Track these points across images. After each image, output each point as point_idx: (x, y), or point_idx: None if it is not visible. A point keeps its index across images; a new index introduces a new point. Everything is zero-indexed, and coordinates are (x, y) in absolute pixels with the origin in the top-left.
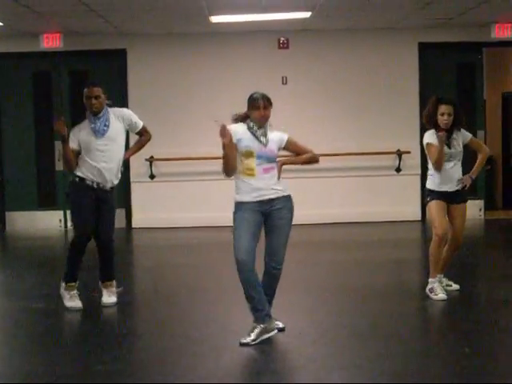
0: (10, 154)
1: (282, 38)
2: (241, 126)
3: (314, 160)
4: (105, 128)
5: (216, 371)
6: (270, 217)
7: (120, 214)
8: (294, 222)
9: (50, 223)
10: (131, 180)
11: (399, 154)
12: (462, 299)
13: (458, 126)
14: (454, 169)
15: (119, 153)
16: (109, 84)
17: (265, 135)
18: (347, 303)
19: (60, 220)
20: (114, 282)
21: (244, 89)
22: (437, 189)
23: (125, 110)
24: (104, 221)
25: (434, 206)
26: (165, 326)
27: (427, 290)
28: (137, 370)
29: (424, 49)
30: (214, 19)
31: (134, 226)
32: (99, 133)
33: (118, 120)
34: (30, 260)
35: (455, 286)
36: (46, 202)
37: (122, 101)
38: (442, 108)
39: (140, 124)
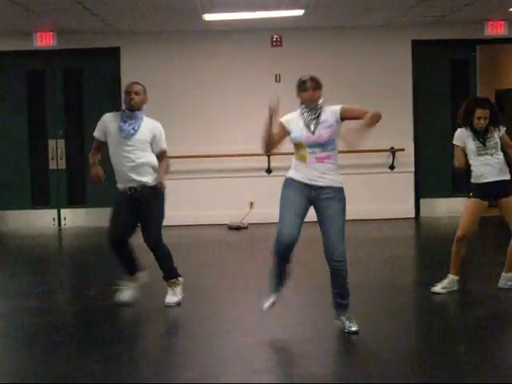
0: (3, 152)
1: (276, 36)
2: (294, 114)
3: (378, 117)
4: (132, 131)
5: (212, 370)
6: (318, 205)
7: None
8: None
9: (43, 222)
10: None
11: (393, 151)
12: (457, 297)
13: (496, 125)
14: (493, 160)
15: (142, 156)
16: (102, 82)
17: (316, 119)
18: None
19: (54, 219)
20: (178, 280)
21: (237, 87)
22: (479, 181)
23: (158, 124)
24: (145, 224)
25: (469, 205)
26: (159, 324)
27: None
28: (130, 369)
29: (417, 46)
30: (208, 17)
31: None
32: (124, 133)
33: (146, 128)
34: (23, 259)
35: None
36: (40, 200)
37: (115, 99)
38: (479, 112)
39: (163, 146)
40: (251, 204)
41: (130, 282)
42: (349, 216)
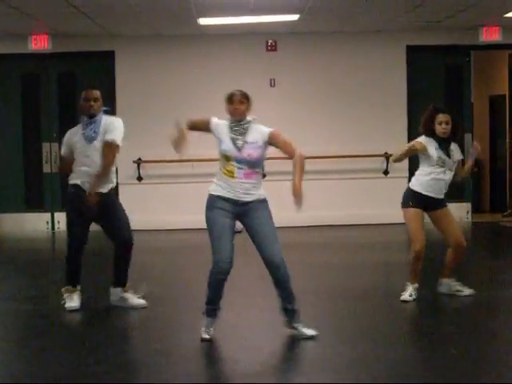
0: None
1: (270, 41)
2: (224, 124)
3: (303, 162)
4: (93, 135)
5: (205, 373)
6: (247, 218)
7: None
8: (283, 224)
9: (37, 225)
10: (118, 182)
11: (387, 156)
12: (449, 302)
13: (457, 136)
14: (443, 177)
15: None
16: (97, 86)
17: (243, 135)
18: (335, 306)
19: (47, 222)
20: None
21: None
22: (423, 192)
23: (115, 120)
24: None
25: (413, 218)
26: (153, 328)
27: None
28: (125, 371)
29: (412, 52)
30: (203, 21)
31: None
32: (88, 139)
33: (103, 127)
34: (17, 262)
35: (467, 291)
36: (34, 204)
37: (109, 102)
38: (440, 117)
39: (110, 137)
40: None
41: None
42: (343, 221)
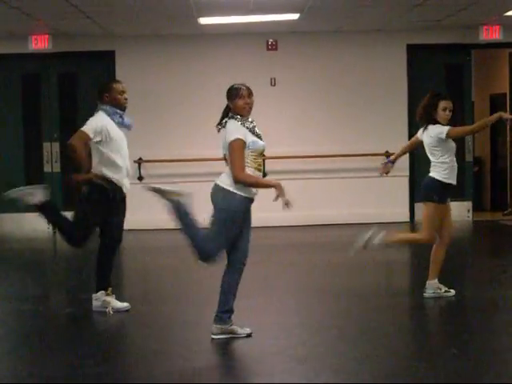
0: None
1: (271, 40)
2: (237, 127)
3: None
4: (130, 123)
5: (203, 373)
6: (245, 216)
7: None
8: (282, 224)
9: (38, 225)
10: None
11: (388, 155)
12: (450, 301)
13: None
14: (455, 163)
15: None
16: (97, 86)
17: (256, 126)
18: (335, 305)
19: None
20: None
21: None
22: (450, 181)
23: None
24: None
25: (438, 213)
26: (151, 328)
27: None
28: (123, 372)
29: (412, 51)
30: (203, 21)
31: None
32: (128, 127)
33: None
34: (18, 262)
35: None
36: None
37: None
38: (444, 103)
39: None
40: None
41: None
42: (344, 220)
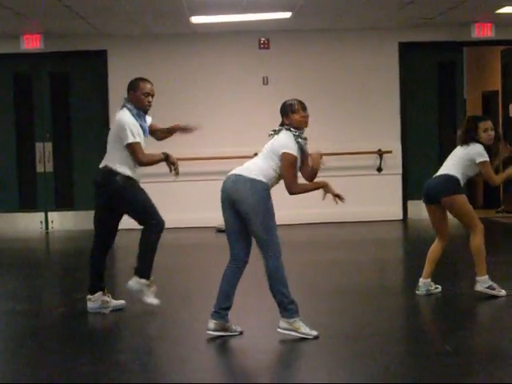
0: None
1: (263, 39)
2: (292, 138)
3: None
4: (147, 128)
5: (197, 373)
6: None
7: None
8: (279, 222)
9: (30, 225)
10: None
11: (380, 153)
12: (443, 298)
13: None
14: None
15: None
16: (89, 85)
17: (306, 141)
18: (329, 303)
19: (41, 222)
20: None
21: (225, 89)
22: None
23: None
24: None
25: (467, 201)
26: (145, 327)
27: (484, 289)
28: (117, 371)
29: (404, 48)
30: (195, 20)
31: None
32: (146, 132)
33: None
34: (11, 262)
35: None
36: (27, 203)
37: (102, 102)
38: (486, 124)
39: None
40: None
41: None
42: (336, 218)
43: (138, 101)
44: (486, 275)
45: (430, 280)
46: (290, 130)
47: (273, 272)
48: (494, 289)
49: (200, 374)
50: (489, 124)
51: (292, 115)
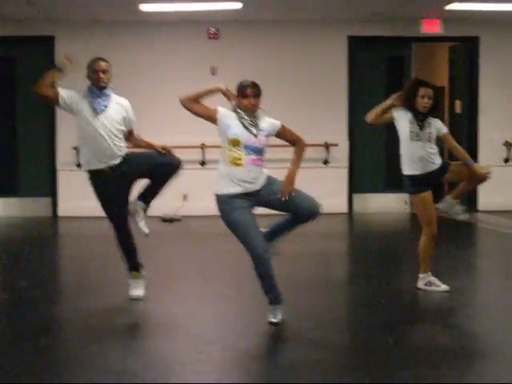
0: None
1: (212, 29)
2: (231, 113)
3: (303, 152)
4: (102, 108)
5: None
6: (263, 199)
7: (46, 202)
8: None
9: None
10: (57, 168)
11: (327, 146)
12: (386, 292)
13: (436, 112)
14: (423, 151)
15: (116, 134)
16: (36, 71)
17: (255, 125)
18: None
19: None
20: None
21: (173, 78)
22: (415, 172)
23: (125, 100)
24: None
25: (422, 202)
26: (90, 317)
27: (422, 286)
28: (63, 360)
29: (353, 42)
30: (144, 7)
31: (60, 214)
32: (95, 111)
33: (117, 104)
34: None
35: (444, 287)
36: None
37: None
38: (423, 90)
39: (134, 122)
40: (185, 196)
41: (134, 278)
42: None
43: (89, 79)
44: (426, 273)
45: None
46: (236, 112)
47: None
48: (431, 285)
49: (184, 374)
50: (427, 91)
51: (241, 99)
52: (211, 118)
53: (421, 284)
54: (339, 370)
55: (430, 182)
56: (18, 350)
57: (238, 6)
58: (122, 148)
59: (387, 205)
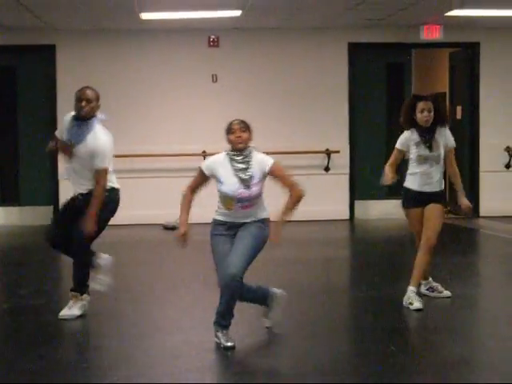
0: None
1: (213, 36)
2: (220, 159)
3: (298, 202)
4: (77, 138)
5: (144, 369)
6: (237, 233)
7: (47, 211)
8: None
9: None
10: (59, 177)
11: (328, 153)
12: (387, 299)
13: (443, 122)
14: (432, 173)
15: (84, 170)
16: (37, 80)
17: (246, 170)
18: None
19: None
20: (81, 296)
21: (174, 86)
22: (417, 189)
23: (104, 142)
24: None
25: (410, 218)
26: (91, 323)
27: (425, 291)
28: (62, 368)
29: (354, 49)
30: (144, 16)
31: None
32: (73, 138)
33: (91, 142)
34: None
35: (416, 305)
36: None
37: (50, 97)
38: (421, 105)
39: (99, 165)
40: None
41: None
42: None
43: (74, 107)
44: (426, 280)
45: (424, 280)
46: (227, 153)
47: None
48: (433, 291)
49: (144, 370)
50: (426, 105)
51: (228, 136)
52: (206, 180)
53: (423, 289)
54: (340, 376)
55: (423, 201)
56: (21, 359)
57: (238, 13)
58: (84, 185)
59: (389, 211)
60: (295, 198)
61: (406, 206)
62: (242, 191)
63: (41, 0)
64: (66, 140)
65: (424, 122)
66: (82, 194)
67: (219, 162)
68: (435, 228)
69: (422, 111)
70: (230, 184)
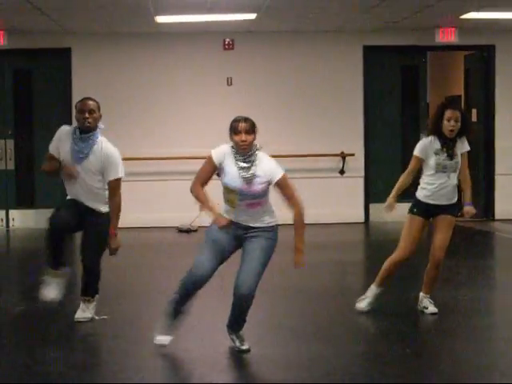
0: None
1: (228, 39)
2: (227, 151)
3: (302, 222)
4: (81, 156)
5: (159, 374)
6: (244, 243)
7: None
8: None
9: None
10: None
11: (343, 156)
12: (403, 302)
13: (465, 134)
14: (449, 182)
15: (93, 184)
16: (53, 83)
17: (249, 169)
18: (289, 305)
19: (1, 219)
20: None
21: (189, 89)
22: (427, 201)
23: (114, 153)
24: (85, 244)
25: (411, 225)
26: (108, 327)
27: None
28: (74, 371)
29: (369, 52)
30: (160, 19)
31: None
32: (75, 158)
33: (99, 155)
34: None
35: (431, 309)
36: None
37: (66, 100)
38: (449, 113)
39: (113, 176)
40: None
41: (53, 277)
42: None
43: (76, 119)
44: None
45: (422, 294)
46: (232, 147)
47: None
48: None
49: (162, 375)
50: (453, 114)
51: (233, 136)
52: (214, 170)
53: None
54: (355, 379)
55: (435, 212)
56: (34, 361)
57: (253, 16)
58: (95, 202)
59: (403, 214)
60: (300, 218)
61: (415, 212)
62: (243, 186)
63: (57, 4)
64: (63, 157)
65: (448, 132)
66: (91, 210)
67: (227, 153)
68: (445, 240)
69: (448, 120)
70: (233, 176)
